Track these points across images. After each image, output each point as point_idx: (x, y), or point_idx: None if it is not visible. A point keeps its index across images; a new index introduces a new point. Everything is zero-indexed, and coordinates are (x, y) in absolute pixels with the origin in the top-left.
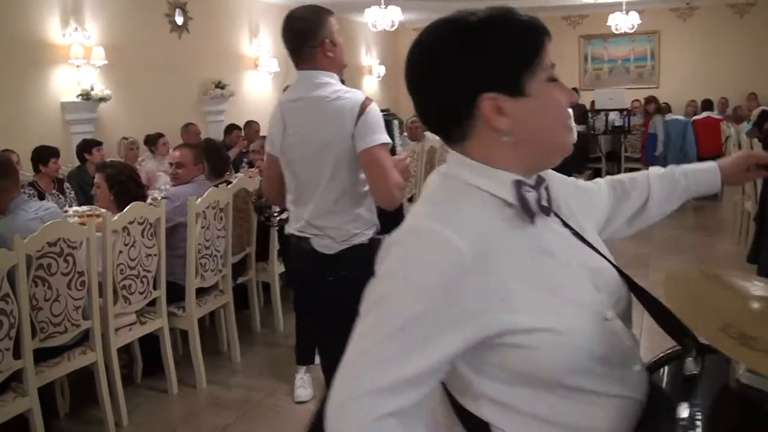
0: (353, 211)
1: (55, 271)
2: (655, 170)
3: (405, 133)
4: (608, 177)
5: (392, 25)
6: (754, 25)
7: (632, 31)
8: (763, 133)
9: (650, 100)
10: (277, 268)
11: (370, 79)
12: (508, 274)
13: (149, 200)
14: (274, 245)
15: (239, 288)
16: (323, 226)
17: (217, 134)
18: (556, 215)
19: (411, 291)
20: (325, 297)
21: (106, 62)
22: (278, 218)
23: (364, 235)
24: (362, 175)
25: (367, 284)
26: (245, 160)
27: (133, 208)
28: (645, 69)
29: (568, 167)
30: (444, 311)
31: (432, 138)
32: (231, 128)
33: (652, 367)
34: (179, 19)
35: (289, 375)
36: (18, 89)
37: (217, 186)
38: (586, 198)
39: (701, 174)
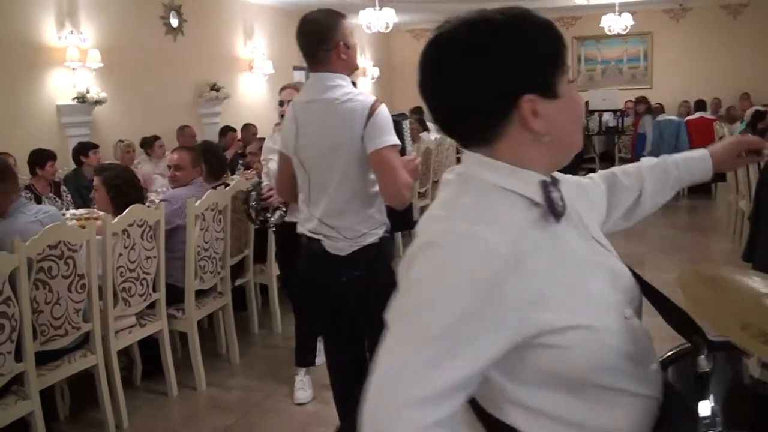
0: (365, 212)
1: (56, 274)
2: (647, 161)
3: None
4: (601, 171)
5: (386, 27)
6: (747, 25)
7: (625, 32)
8: (756, 133)
9: (640, 100)
10: (275, 270)
11: (364, 81)
12: (541, 274)
13: (147, 203)
14: (272, 247)
15: (237, 290)
16: (337, 225)
17: (212, 136)
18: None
19: (450, 294)
20: (338, 298)
21: (101, 65)
22: (273, 221)
23: (375, 235)
24: (372, 176)
25: (379, 282)
26: (241, 162)
27: (132, 211)
28: (638, 70)
29: (563, 168)
30: (485, 312)
31: (428, 139)
32: (226, 130)
33: (662, 366)
34: (174, 22)
35: (288, 376)
36: (13, 92)
37: (215, 188)
38: (587, 196)
39: (693, 162)
